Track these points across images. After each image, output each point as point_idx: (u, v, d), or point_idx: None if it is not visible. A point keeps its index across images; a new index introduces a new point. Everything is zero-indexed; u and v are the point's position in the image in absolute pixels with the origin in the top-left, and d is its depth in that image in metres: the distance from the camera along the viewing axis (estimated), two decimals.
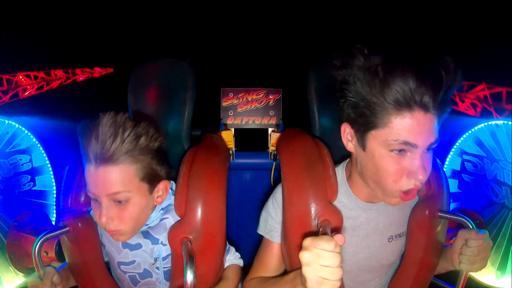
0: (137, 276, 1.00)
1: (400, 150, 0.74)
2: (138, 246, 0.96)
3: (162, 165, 0.91)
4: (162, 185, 0.92)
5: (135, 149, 0.84)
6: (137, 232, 0.94)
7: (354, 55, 0.75)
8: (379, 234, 0.94)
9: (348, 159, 0.96)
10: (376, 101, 0.72)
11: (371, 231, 0.93)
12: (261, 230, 1.00)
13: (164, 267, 0.98)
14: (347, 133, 0.83)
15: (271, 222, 0.97)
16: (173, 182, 1.01)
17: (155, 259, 0.97)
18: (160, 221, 0.96)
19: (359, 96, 0.75)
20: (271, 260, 0.97)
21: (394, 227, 0.95)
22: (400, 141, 0.73)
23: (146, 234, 0.96)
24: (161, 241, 0.96)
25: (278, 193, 0.96)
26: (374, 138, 0.76)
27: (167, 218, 0.97)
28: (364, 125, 0.76)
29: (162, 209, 0.97)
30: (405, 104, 0.71)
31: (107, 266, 1.06)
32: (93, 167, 0.82)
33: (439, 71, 0.70)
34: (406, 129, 0.72)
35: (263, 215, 1.00)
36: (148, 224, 0.95)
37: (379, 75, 0.71)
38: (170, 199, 0.98)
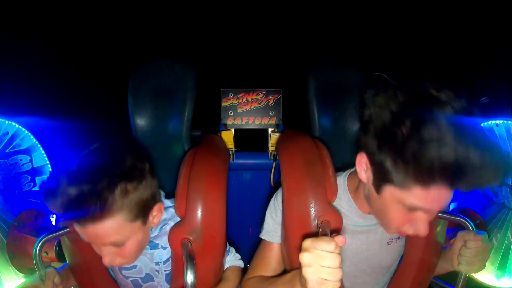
0: (139, 280, 1.00)
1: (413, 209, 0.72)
2: None
3: (151, 189, 0.86)
4: (155, 209, 0.89)
5: (121, 199, 0.78)
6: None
7: (392, 102, 0.67)
8: (379, 238, 0.93)
9: (353, 169, 0.92)
10: (402, 174, 0.66)
11: (371, 236, 0.93)
12: (263, 235, 0.99)
13: (165, 270, 0.98)
14: (363, 163, 0.77)
15: (271, 223, 0.97)
16: (163, 199, 0.98)
17: (157, 264, 0.97)
18: (160, 232, 0.96)
19: (384, 162, 0.68)
20: (270, 261, 0.97)
21: None
22: (416, 206, 0.70)
23: None
24: (161, 245, 0.97)
25: (279, 194, 0.96)
26: (390, 192, 0.72)
27: (167, 224, 0.97)
28: (383, 175, 0.71)
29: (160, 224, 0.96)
30: (433, 183, 0.64)
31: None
32: (79, 226, 0.78)
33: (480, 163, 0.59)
34: (426, 199, 0.68)
35: (266, 216, 1.00)
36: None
37: (411, 139, 0.62)
38: (165, 213, 0.96)
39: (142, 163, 0.85)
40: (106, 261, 0.83)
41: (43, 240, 0.90)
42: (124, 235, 0.82)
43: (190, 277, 0.82)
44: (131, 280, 1.00)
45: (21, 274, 1.35)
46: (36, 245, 0.89)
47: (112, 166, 0.78)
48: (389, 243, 0.95)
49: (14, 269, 1.32)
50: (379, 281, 1.01)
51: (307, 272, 0.66)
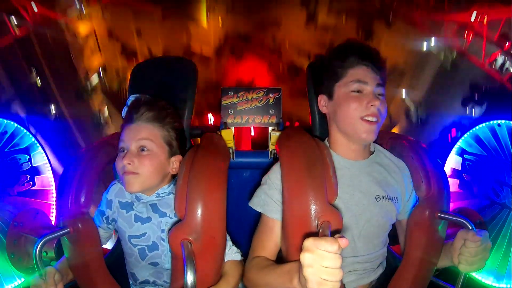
0: (146, 249, 1.06)
1: (358, 91, 1.01)
2: (148, 220, 1.06)
3: (179, 143, 1.08)
4: (177, 158, 1.06)
5: (163, 120, 1.04)
6: (149, 187, 1.04)
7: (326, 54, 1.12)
8: (365, 192, 1.02)
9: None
10: (339, 69, 1.05)
11: (356, 188, 1.01)
12: (254, 205, 1.05)
13: None
14: (322, 101, 1.10)
15: (264, 198, 1.02)
16: None
17: (163, 231, 1.04)
18: (168, 194, 1.07)
19: (329, 71, 1.07)
20: (268, 239, 1.01)
21: (378, 187, 1.02)
22: (355, 80, 1.01)
23: (155, 208, 1.06)
24: (168, 215, 1.05)
25: (273, 173, 1.03)
26: (338, 87, 1.04)
27: (172, 193, 1.06)
28: (332, 81, 1.06)
29: (173, 183, 1.08)
30: (355, 64, 1.03)
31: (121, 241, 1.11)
32: (132, 124, 1.03)
33: (371, 51, 1.06)
34: (358, 73, 1.02)
35: (257, 194, 1.05)
36: (159, 194, 1.06)
37: (340, 59, 1.06)
38: (173, 188, 1.05)
39: (184, 132, 1.17)
40: (125, 161, 0.98)
41: (43, 240, 0.91)
42: (153, 141, 1.02)
43: (190, 278, 0.82)
44: (138, 248, 1.06)
45: (21, 274, 1.35)
46: (36, 245, 0.89)
47: (177, 111, 1.13)
48: (377, 199, 1.01)
49: (14, 268, 1.32)
50: (370, 249, 1.03)
51: (307, 272, 0.66)
